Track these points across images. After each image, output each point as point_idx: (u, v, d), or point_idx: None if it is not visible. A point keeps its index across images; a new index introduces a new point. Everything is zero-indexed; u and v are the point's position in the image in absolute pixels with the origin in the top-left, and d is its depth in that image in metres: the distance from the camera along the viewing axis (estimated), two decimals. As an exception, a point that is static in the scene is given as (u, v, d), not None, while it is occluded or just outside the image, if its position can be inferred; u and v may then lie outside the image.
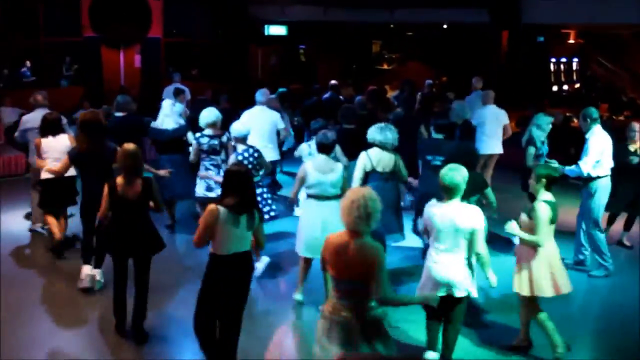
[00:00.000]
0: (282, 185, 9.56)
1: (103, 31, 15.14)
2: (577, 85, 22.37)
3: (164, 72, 16.42)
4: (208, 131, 6.97)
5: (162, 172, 6.94)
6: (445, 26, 20.14)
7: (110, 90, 14.11)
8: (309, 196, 5.86)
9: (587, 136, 6.69)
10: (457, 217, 4.42)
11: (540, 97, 16.02)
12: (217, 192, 6.63)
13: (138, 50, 16.29)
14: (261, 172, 6.63)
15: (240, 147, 6.57)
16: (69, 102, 12.83)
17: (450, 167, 4.50)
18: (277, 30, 19.96)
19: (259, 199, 6.42)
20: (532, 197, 5.23)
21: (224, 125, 7.44)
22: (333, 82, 11.81)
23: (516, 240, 5.33)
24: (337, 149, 6.63)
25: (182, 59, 17.71)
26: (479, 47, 19.20)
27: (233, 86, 15.74)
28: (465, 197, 4.61)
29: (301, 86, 16.27)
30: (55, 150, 6.74)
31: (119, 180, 5.10)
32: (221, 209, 4.28)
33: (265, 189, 6.74)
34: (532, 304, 4.98)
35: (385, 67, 23.46)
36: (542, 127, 7.59)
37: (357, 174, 6.11)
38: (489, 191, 5.96)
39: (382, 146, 6.13)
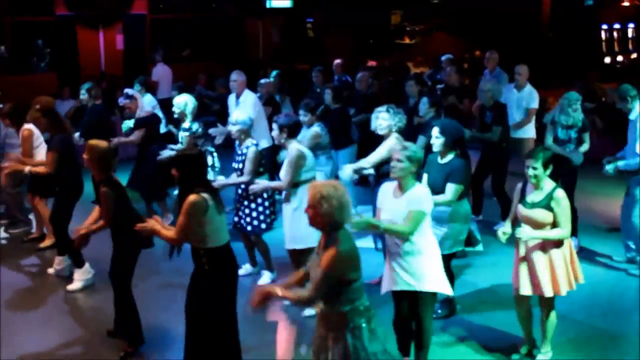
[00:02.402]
0: None
1: (78, 8, 15.15)
2: (634, 56, 22.08)
3: (150, 54, 16.40)
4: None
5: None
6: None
7: (89, 76, 14.11)
8: None
9: (630, 117, 6.62)
10: None
11: (590, 70, 15.83)
12: None
13: (120, 29, 16.29)
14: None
15: (248, 141, 6.59)
16: (43, 90, 12.81)
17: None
18: (280, 1, 19.89)
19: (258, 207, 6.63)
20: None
21: (222, 113, 7.64)
22: (338, 61, 11.85)
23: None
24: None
25: (172, 38, 17.68)
26: (517, 14, 19.00)
27: (230, 68, 15.67)
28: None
29: (309, 66, 16.19)
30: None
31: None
32: (207, 196, 4.50)
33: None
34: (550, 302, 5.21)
35: (407, 41, 23.29)
36: (564, 108, 7.43)
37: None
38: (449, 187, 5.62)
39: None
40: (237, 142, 6.69)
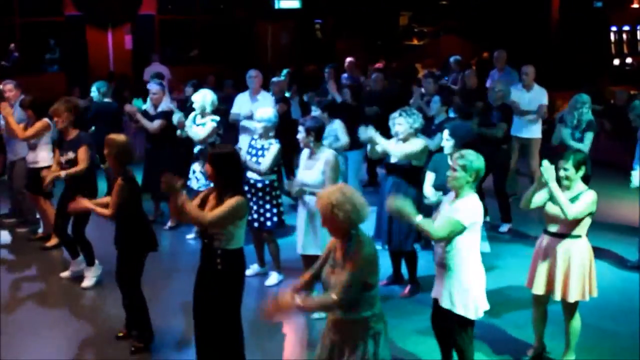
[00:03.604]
0: None
1: (87, 8, 15.19)
2: (643, 58, 21.95)
3: (153, 55, 16.42)
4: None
5: None
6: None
7: (97, 76, 14.14)
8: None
9: None
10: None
11: (598, 72, 15.77)
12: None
13: (128, 29, 16.32)
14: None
15: (272, 139, 6.60)
16: (52, 90, 12.85)
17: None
18: (289, 3, 19.88)
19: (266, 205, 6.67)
20: None
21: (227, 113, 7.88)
22: (350, 59, 11.87)
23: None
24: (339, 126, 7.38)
25: (180, 38, 17.70)
26: (525, 16, 18.93)
27: (239, 69, 15.67)
28: None
29: (317, 67, 16.19)
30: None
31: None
32: (245, 201, 4.55)
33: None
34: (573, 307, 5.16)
35: (416, 42, 23.26)
36: (571, 109, 7.47)
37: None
38: None
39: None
40: (255, 138, 6.69)
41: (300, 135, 6.02)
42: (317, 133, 5.99)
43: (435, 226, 4.46)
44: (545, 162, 4.91)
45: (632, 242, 7.54)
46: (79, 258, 7.01)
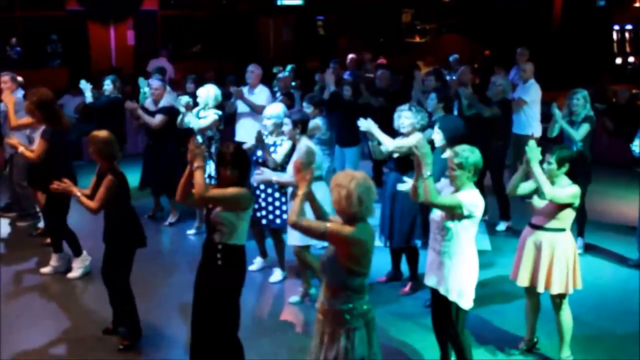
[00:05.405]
0: None
1: (89, 3, 15.18)
2: (645, 58, 21.92)
3: (161, 50, 16.42)
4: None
5: None
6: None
7: (99, 72, 14.13)
8: None
9: None
10: None
11: (601, 71, 15.75)
12: None
13: (130, 25, 16.32)
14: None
15: (283, 135, 6.50)
16: (54, 85, 12.84)
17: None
18: (291, -1, 19.90)
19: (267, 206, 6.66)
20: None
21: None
22: (352, 56, 11.86)
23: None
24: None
25: (182, 34, 17.69)
26: (527, 15, 18.91)
27: (241, 65, 15.65)
28: None
29: (319, 63, 16.18)
30: None
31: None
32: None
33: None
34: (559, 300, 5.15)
35: (418, 40, 23.23)
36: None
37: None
38: None
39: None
40: (265, 135, 6.60)
41: (287, 127, 6.08)
42: (303, 125, 6.08)
43: (437, 194, 4.54)
44: (532, 142, 5.02)
45: (633, 241, 7.51)
46: (61, 254, 6.95)
